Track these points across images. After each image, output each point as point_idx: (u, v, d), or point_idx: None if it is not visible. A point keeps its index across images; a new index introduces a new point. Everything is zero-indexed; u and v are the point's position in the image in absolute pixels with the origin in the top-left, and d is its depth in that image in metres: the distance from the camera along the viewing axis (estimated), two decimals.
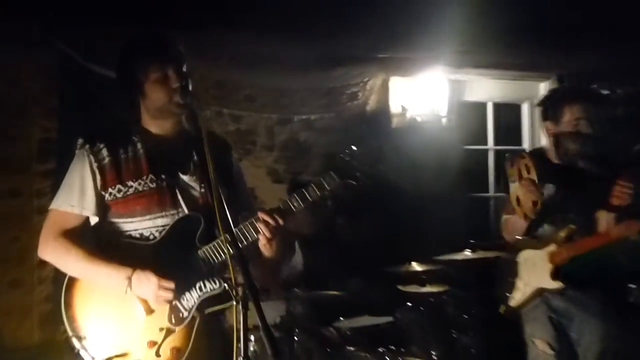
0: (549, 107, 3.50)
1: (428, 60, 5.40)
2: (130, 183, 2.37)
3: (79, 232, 2.39)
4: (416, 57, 5.38)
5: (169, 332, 2.31)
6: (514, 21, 4.77)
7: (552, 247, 3.32)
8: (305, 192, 2.37)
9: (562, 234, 3.30)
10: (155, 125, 2.47)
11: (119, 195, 2.36)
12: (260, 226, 2.32)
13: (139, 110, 2.46)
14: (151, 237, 2.38)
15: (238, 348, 1.95)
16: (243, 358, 1.95)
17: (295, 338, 3.94)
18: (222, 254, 2.34)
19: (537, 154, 3.58)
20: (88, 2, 4.06)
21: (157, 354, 2.29)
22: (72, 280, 2.36)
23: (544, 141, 3.94)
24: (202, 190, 2.46)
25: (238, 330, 1.95)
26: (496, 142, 6.07)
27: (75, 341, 2.30)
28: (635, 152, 3.62)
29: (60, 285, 2.35)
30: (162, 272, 2.28)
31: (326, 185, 2.37)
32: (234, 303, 1.97)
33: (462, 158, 5.78)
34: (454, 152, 5.67)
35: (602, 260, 3.33)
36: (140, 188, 2.37)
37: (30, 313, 4.31)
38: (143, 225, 2.39)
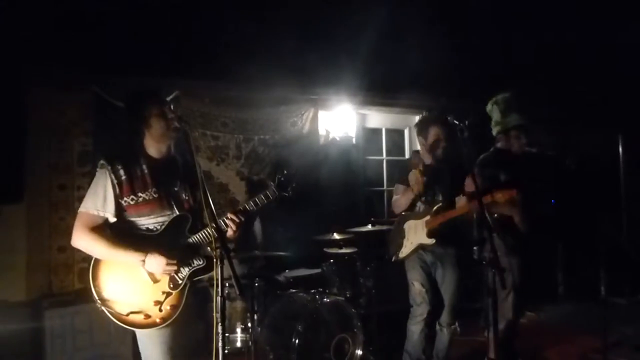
0: (421, 129, 3.58)
1: (343, 99, 5.45)
2: (139, 194, 2.37)
3: (102, 228, 2.34)
4: (335, 98, 5.41)
5: (168, 294, 2.37)
6: (397, 75, 5.05)
7: (427, 217, 3.45)
8: (257, 200, 2.49)
9: (434, 208, 3.44)
10: (155, 150, 2.44)
11: (131, 203, 2.36)
12: (229, 222, 2.42)
13: (144, 137, 2.41)
14: (155, 229, 2.40)
15: (217, 290, 2.00)
16: (220, 296, 2.01)
17: (256, 284, 3.94)
18: (205, 240, 2.38)
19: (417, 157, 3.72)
20: (114, 60, 4.12)
21: (160, 310, 2.34)
22: (97, 261, 2.34)
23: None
24: (186, 197, 2.47)
25: (217, 278, 2.02)
26: (387, 154, 6.12)
27: (99, 303, 2.28)
28: (480, 160, 3.66)
29: None
30: (164, 253, 2.31)
31: (270, 196, 2.51)
32: (215, 259, 2.08)
33: (365, 165, 5.88)
34: (360, 161, 5.77)
35: (457, 225, 3.49)
36: (147, 197, 2.38)
37: (72, 269, 4.29)
38: (149, 221, 2.40)
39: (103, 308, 2.28)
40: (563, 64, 5.66)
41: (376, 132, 6.13)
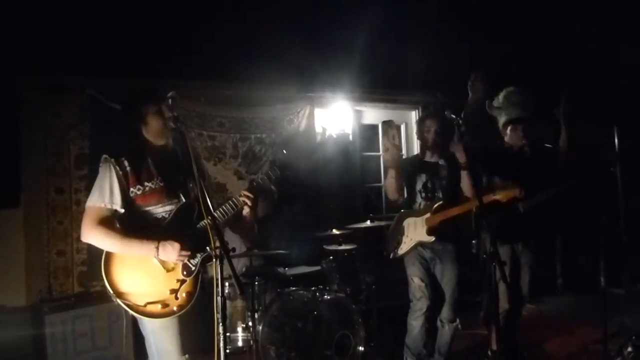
0: (419, 125, 3.63)
1: (339, 97, 5.46)
2: (146, 183, 2.37)
3: (111, 220, 2.33)
4: (331, 96, 5.42)
5: (183, 282, 2.36)
6: (394, 71, 5.05)
7: (427, 215, 3.44)
8: (260, 180, 2.51)
9: (434, 206, 3.44)
10: (155, 143, 2.44)
11: (139, 193, 2.36)
12: (245, 200, 2.44)
13: (142, 135, 2.42)
14: (163, 218, 2.39)
15: (217, 290, 2.00)
16: (221, 296, 2.00)
17: (256, 282, 3.92)
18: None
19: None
20: (108, 63, 4.11)
21: (176, 297, 2.33)
22: (108, 255, 2.31)
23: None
24: (191, 185, 2.45)
25: (217, 278, 2.02)
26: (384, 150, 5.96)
27: (115, 298, 2.26)
28: (480, 153, 3.61)
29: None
30: (177, 240, 2.31)
31: (272, 175, 2.51)
32: (214, 260, 2.07)
33: (361, 161, 5.88)
34: (356, 157, 5.79)
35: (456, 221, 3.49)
36: (153, 186, 2.38)
37: (71, 273, 4.28)
38: (157, 210, 2.39)
39: (120, 302, 2.26)
40: (559, 57, 5.66)
41: (373, 128, 6.11)
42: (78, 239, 4.24)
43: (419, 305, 3.50)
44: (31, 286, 4.11)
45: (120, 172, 2.33)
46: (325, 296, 3.75)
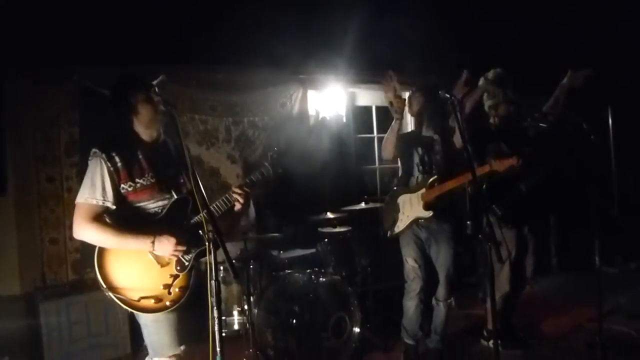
0: (410, 101, 3.55)
1: (332, 79, 5.40)
2: (137, 180, 2.33)
3: (103, 217, 2.28)
4: (324, 77, 5.36)
5: (176, 277, 2.36)
6: (387, 52, 4.97)
7: (423, 190, 3.40)
8: (253, 177, 2.51)
9: (429, 181, 3.39)
10: (146, 135, 2.41)
11: (130, 189, 2.32)
12: (237, 197, 2.44)
13: (133, 124, 2.37)
14: (156, 214, 2.36)
15: (210, 274, 1.98)
16: (215, 280, 1.98)
17: (251, 266, 3.92)
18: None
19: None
20: (97, 51, 4.03)
21: (169, 293, 2.32)
22: (101, 250, 2.28)
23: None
24: (183, 180, 2.43)
25: (211, 263, 1.99)
26: (378, 132, 6.02)
27: (108, 292, 2.24)
28: (474, 134, 3.56)
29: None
30: (171, 235, 2.29)
31: (264, 173, 2.53)
32: (207, 244, 2.03)
33: (355, 143, 5.84)
34: (351, 139, 5.74)
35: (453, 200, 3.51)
36: (145, 183, 2.35)
37: (65, 261, 4.25)
38: (149, 206, 2.36)
39: (113, 296, 2.24)
40: (552, 38, 5.62)
41: (366, 110, 6.07)
42: (71, 226, 4.19)
43: (413, 286, 3.50)
44: (25, 275, 4.08)
45: (112, 168, 2.29)
46: (321, 279, 3.74)
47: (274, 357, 3.64)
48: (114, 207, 2.30)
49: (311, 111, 5.42)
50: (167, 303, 2.31)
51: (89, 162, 2.32)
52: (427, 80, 5.20)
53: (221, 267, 3.90)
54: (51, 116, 4.25)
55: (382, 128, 6.11)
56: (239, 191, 2.45)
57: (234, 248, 4.18)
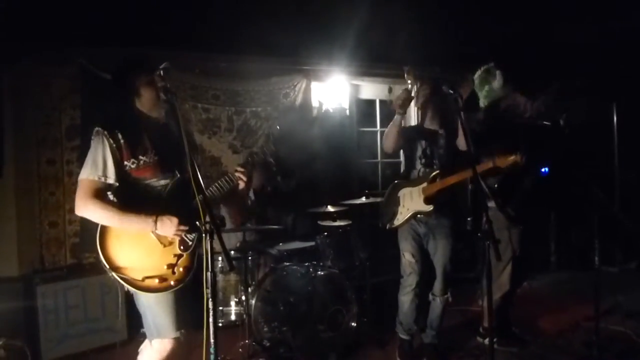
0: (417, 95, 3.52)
1: (336, 71, 5.38)
2: (140, 157, 2.31)
3: (106, 194, 2.29)
4: (328, 69, 5.34)
5: (180, 256, 2.35)
6: (391, 45, 4.94)
7: (424, 184, 3.36)
8: (255, 156, 2.49)
9: (431, 175, 3.35)
10: (148, 116, 2.39)
11: (133, 167, 2.31)
12: (240, 175, 2.43)
13: (136, 107, 2.36)
14: (159, 193, 2.35)
15: (207, 264, 1.96)
16: (211, 271, 1.96)
17: (249, 257, 3.93)
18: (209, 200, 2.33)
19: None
20: (100, 33, 3.99)
21: (173, 272, 2.32)
22: (104, 229, 2.27)
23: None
24: (186, 159, 2.40)
25: (207, 252, 1.98)
26: (381, 126, 6.01)
27: (112, 272, 2.24)
28: (474, 129, 3.55)
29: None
30: (174, 214, 2.27)
31: (266, 151, 2.50)
32: (203, 235, 2.01)
33: (358, 136, 5.82)
34: (353, 132, 5.72)
35: (454, 195, 3.49)
36: (148, 160, 2.33)
37: (64, 244, 4.26)
38: (153, 184, 2.35)
39: (116, 276, 2.24)
40: (556, 33, 5.56)
41: (370, 103, 6.04)
42: (70, 210, 4.22)
43: (409, 281, 3.49)
44: (23, 257, 4.08)
45: (114, 145, 2.27)
46: (319, 272, 3.73)
47: (270, 348, 3.64)
48: (117, 184, 2.29)
49: (314, 103, 5.39)
50: (172, 282, 2.31)
51: (92, 140, 2.30)
52: (430, 72, 5.19)
53: (219, 258, 3.95)
54: (53, 99, 4.22)
55: (385, 122, 6.05)
56: (242, 169, 2.44)
57: (234, 239, 4.16)
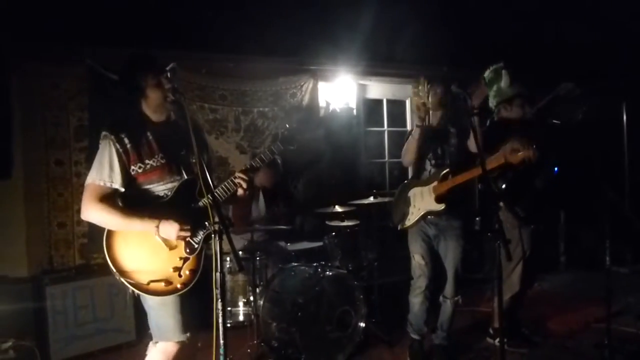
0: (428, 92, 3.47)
1: (343, 70, 5.38)
2: (147, 161, 2.32)
3: (112, 198, 2.28)
4: (335, 69, 5.34)
5: (186, 259, 2.34)
6: (398, 45, 4.94)
7: (434, 183, 3.33)
8: (263, 156, 2.46)
9: (442, 174, 3.32)
10: (155, 117, 2.39)
11: (140, 171, 2.31)
12: (239, 181, 2.40)
13: (142, 107, 2.36)
14: (165, 196, 2.36)
15: (216, 265, 1.96)
16: (220, 273, 1.96)
17: (257, 257, 3.92)
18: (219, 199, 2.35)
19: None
20: (107, 33, 4.00)
21: (179, 275, 2.31)
22: (110, 232, 2.28)
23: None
24: (194, 160, 2.36)
25: (216, 253, 1.98)
26: (389, 125, 6.02)
27: (118, 276, 2.24)
28: (485, 129, 3.55)
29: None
30: (177, 219, 2.27)
31: (275, 151, 2.47)
32: (213, 235, 2.02)
33: (365, 136, 5.80)
34: (361, 132, 5.71)
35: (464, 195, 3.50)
36: (154, 164, 2.34)
37: (72, 245, 4.28)
38: (159, 188, 2.36)
39: (123, 280, 2.24)
40: (566, 32, 5.52)
41: (377, 103, 6.02)
42: (79, 211, 4.16)
43: (419, 283, 3.48)
44: (32, 257, 4.11)
45: (121, 150, 2.28)
46: (327, 272, 3.72)
47: (278, 349, 3.63)
48: (123, 189, 2.30)
49: (322, 102, 5.38)
50: (178, 285, 2.31)
51: (99, 145, 2.31)
52: (438, 71, 5.17)
53: (227, 258, 3.95)
54: (61, 100, 4.24)
55: (393, 121, 6.11)
56: (243, 176, 2.43)
57: (242, 239, 4.15)
